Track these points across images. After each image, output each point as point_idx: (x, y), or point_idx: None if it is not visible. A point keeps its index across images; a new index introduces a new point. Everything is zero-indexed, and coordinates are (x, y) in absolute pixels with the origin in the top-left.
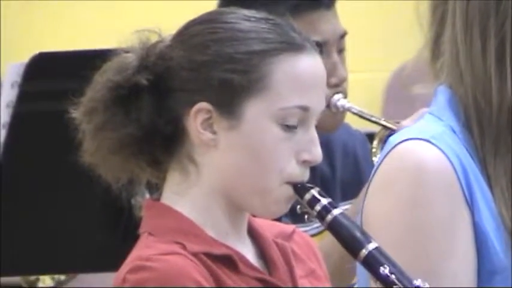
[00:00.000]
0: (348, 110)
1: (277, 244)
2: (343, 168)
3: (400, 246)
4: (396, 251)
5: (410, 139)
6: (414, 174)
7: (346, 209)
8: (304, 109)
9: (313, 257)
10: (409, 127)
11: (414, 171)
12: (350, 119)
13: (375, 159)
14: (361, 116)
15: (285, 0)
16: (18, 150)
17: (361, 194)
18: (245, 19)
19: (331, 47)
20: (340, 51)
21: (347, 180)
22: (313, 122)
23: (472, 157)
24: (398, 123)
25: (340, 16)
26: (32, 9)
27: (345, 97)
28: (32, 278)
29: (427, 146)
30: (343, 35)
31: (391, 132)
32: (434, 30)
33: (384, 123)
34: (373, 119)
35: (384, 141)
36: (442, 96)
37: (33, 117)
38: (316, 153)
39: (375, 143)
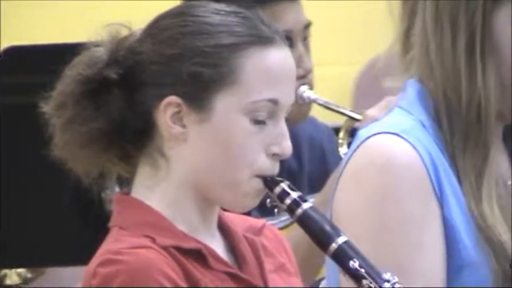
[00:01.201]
0: (314, 101)
1: (247, 239)
2: (310, 161)
3: (369, 240)
4: (366, 245)
5: (380, 133)
6: (384, 168)
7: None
8: (274, 102)
9: (283, 251)
10: (379, 121)
11: (384, 165)
12: (316, 114)
13: (341, 150)
14: (326, 107)
15: None
16: None
17: (326, 186)
18: (215, 12)
19: (295, 37)
20: (305, 41)
21: (314, 173)
22: (282, 116)
23: (441, 151)
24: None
25: (312, 9)
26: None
27: (311, 88)
28: (1, 274)
29: (396, 140)
30: (307, 26)
31: (357, 123)
32: (405, 23)
33: (349, 113)
34: (339, 109)
35: (350, 132)
36: (411, 89)
37: (3, 110)
38: (286, 147)
39: (341, 134)
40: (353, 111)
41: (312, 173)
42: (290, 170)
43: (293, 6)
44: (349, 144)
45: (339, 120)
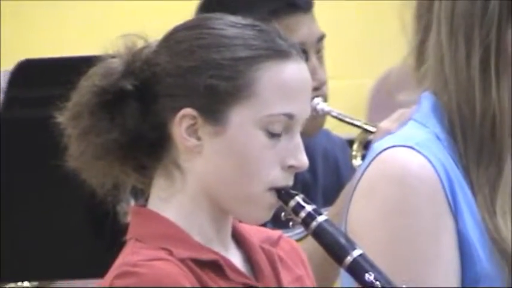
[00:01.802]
0: (328, 113)
1: (263, 249)
2: (324, 174)
3: (384, 253)
4: (381, 257)
5: (395, 146)
6: (398, 182)
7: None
8: (290, 117)
9: (300, 263)
10: (393, 134)
11: (398, 178)
12: (330, 126)
13: (355, 162)
14: (340, 119)
15: (263, 5)
16: (3, 156)
17: (339, 198)
18: (231, 25)
19: (309, 50)
20: (319, 54)
21: (328, 185)
22: (298, 129)
23: (456, 164)
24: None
25: (326, 23)
26: (20, 16)
27: (325, 101)
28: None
29: (411, 153)
30: (320, 38)
31: (371, 135)
32: (419, 37)
33: (363, 125)
34: (353, 121)
35: (363, 144)
36: (426, 102)
37: (19, 124)
38: (302, 159)
39: (355, 146)
40: (367, 124)
41: (326, 186)
42: (304, 183)
43: (307, 19)
44: (363, 157)
45: (352, 133)
